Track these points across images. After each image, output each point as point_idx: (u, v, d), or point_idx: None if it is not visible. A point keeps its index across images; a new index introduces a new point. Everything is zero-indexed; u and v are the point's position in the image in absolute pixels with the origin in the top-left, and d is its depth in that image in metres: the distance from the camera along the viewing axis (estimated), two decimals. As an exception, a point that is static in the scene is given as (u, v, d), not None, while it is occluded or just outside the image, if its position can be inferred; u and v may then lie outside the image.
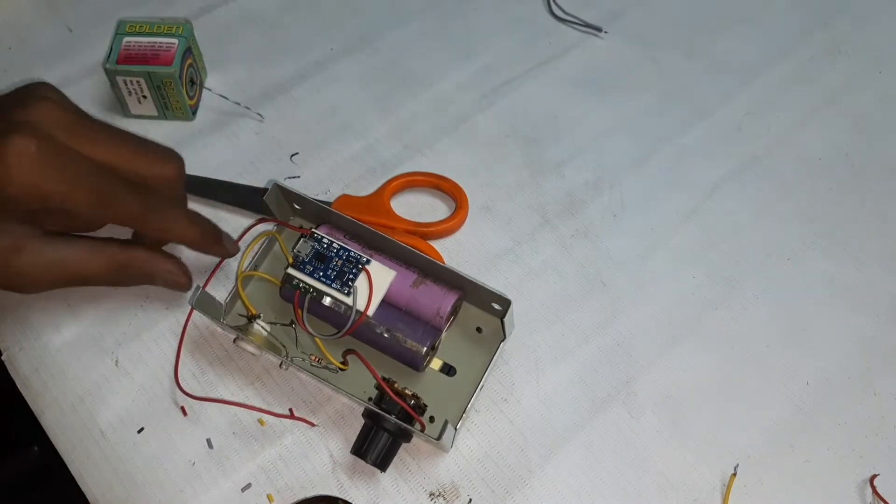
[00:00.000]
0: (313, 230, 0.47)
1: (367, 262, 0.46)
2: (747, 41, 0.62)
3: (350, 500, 0.44)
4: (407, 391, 0.44)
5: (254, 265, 0.48)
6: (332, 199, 0.53)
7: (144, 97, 0.54)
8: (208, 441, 0.46)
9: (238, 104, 0.57)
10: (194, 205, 0.50)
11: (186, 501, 0.44)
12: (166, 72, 0.52)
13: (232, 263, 0.50)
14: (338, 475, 0.45)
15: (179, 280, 0.46)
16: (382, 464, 0.43)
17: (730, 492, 0.45)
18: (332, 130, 0.57)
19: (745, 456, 0.46)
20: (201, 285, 0.45)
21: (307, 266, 0.46)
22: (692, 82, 0.60)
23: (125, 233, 0.46)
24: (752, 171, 0.56)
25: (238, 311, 0.48)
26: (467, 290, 0.46)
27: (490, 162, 0.56)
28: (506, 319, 0.45)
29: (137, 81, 0.53)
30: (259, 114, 0.57)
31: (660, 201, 0.55)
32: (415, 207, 0.54)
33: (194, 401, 0.46)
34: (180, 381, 0.46)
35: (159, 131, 0.55)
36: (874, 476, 0.45)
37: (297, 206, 0.50)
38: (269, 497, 0.44)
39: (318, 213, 0.48)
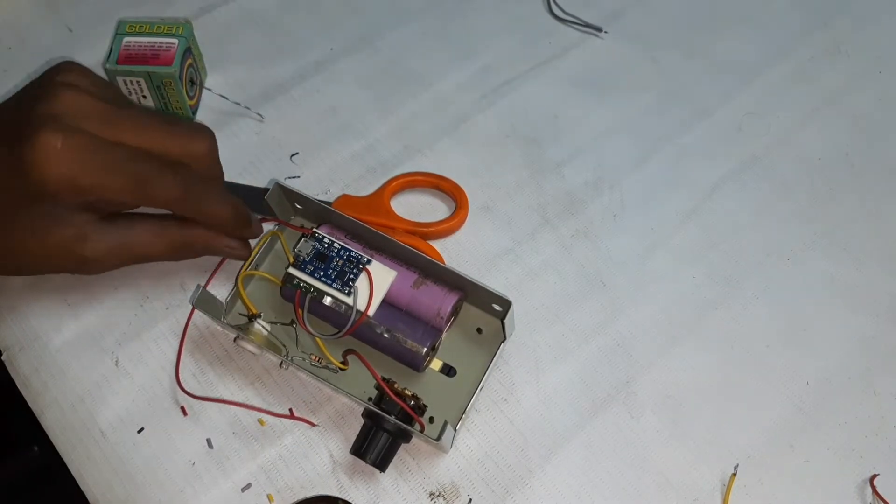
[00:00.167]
0: (314, 230, 0.47)
1: (368, 262, 0.46)
2: (747, 41, 0.62)
3: (350, 500, 0.44)
4: (407, 391, 0.44)
5: (255, 265, 0.48)
6: (332, 199, 0.53)
7: (144, 97, 0.54)
8: (208, 441, 0.46)
9: (238, 104, 0.57)
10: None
11: (186, 501, 0.44)
12: (166, 72, 0.52)
13: (233, 262, 0.50)
14: (338, 475, 0.45)
15: (240, 253, 0.47)
16: (382, 464, 0.43)
17: (730, 492, 0.45)
18: (332, 130, 0.57)
19: (745, 456, 0.46)
20: (202, 284, 0.45)
21: (308, 266, 0.46)
22: (692, 82, 0.60)
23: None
24: (752, 171, 0.56)
25: (238, 311, 0.48)
26: (468, 291, 0.46)
27: (490, 162, 0.56)
28: (506, 320, 0.45)
29: (137, 81, 0.53)
30: (259, 114, 0.57)
31: (660, 201, 0.55)
32: (415, 207, 0.54)
33: (194, 401, 0.46)
34: (181, 381, 0.46)
35: (159, 131, 0.55)
36: (874, 476, 0.45)
37: (298, 206, 0.50)
38: (269, 497, 0.44)
39: (319, 212, 0.48)
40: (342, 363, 0.46)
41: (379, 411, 0.43)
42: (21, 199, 0.40)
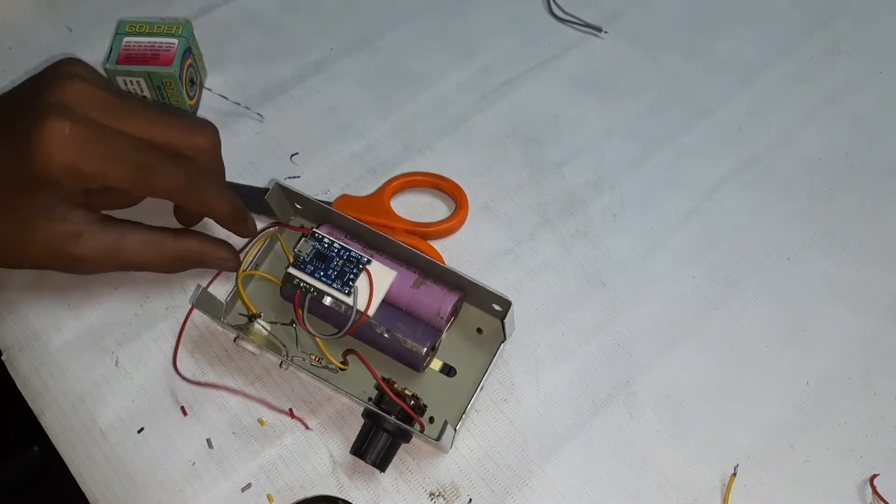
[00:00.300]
0: (314, 230, 0.47)
1: (368, 262, 0.46)
2: (747, 41, 0.62)
3: (350, 500, 0.44)
4: (407, 391, 0.44)
5: (254, 264, 0.48)
6: (332, 199, 0.53)
7: (144, 97, 0.54)
8: (208, 441, 0.46)
9: (238, 104, 0.57)
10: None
11: (186, 501, 0.44)
12: (166, 72, 0.52)
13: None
14: (338, 475, 0.45)
15: (231, 265, 0.47)
16: (382, 464, 0.43)
17: (730, 492, 0.45)
18: (332, 130, 0.57)
19: (745, 456, 0.46)
20: (202, 285, 0.45)
21: (308, 266, 0.46)
22: (692, 82, 0.60)
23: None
24: (752, 171, 0.56)
25: (238, 311, 0.48)
26: (468, 291, 0.46)
27: (490, 162, 0.56)
28: (506, 320, 0.45)
29: (137, 81, 0.53)
30: (259, 114, 0.57)
31: (660, 201, 0.55)
32: (415, 207, 0.54)
33: (194, 401, 0.46)
34: (178, 368, 0.46)
35: (159, 131, 0.55)
36: (874, 476, 0.45)
37: (298, 206, 0.50)
38: (269, 497, 0.44)
39: (319, 212, 0.48)
40: (342, 363, 0.46)
41: (379, 411, 0.43)
42: (21, 189, 0.40)
